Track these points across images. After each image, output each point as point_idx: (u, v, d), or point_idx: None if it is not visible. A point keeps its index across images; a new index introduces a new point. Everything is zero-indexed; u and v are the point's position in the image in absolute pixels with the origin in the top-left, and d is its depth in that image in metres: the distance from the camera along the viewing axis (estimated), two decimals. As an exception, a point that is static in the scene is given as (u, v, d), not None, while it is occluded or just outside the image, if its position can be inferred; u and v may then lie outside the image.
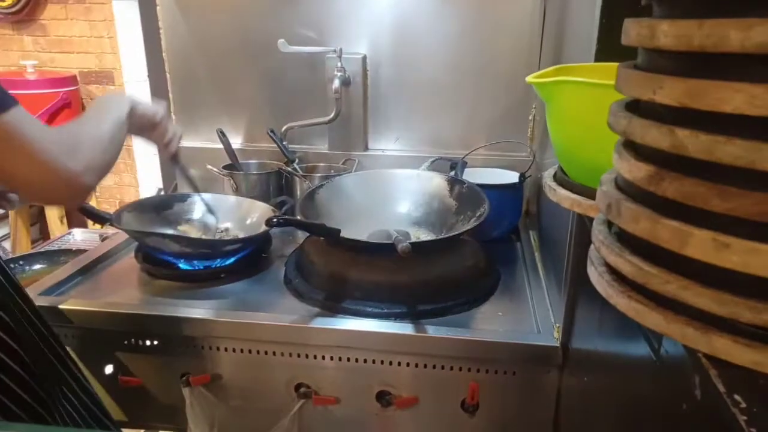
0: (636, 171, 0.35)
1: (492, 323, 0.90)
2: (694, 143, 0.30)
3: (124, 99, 0.83)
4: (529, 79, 0.58)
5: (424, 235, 1.09)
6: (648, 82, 0.33)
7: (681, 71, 0.31)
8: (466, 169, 1.25)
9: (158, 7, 1.44)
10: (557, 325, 0.82)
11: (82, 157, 0.64)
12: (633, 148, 0.36)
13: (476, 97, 1.35)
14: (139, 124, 0.86)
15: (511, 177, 1.22)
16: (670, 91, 0.31)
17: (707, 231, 0.30)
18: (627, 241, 0.37)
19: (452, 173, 1.20)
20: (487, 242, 1.08)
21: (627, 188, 0.37)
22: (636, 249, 0.36)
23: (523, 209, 1.28)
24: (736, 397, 0.29)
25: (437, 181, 1.16)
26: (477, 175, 1.22)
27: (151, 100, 0.92)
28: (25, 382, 0.67)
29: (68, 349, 0.81)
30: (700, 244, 0.30)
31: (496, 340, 0.83)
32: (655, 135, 0.32)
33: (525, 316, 0.91)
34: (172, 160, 1.00)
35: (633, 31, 0.34)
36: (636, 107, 0.37)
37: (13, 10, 2.49)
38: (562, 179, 0.60)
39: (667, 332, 0.33)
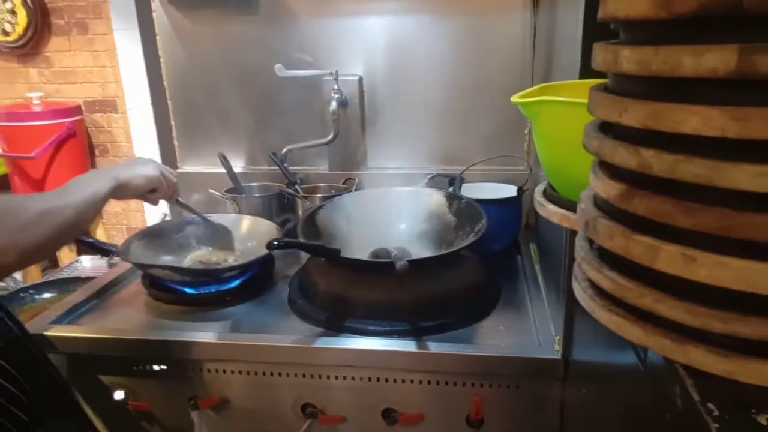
0: (609, 189, 0.36)
1: (494, 338, 0.90)
2: (658, 163, 0.31)
3: (107, 176, 0.82)
4: (514, 99, 0.60)
5: (424, 252, 1.11)
6: (614, 105, 0.34)
7: (644, 95, 0.32)
8: (466, 185, 1.26)
9: (158, 37, 1.48)
10: (557, 337, 0.83)
11: (9, 235, 0.62)
12: (607, 167, 0.38)
13: (472, 113, 1.37)
14: (134, 196, 0.87)
15: (510, 191, 1.23)
16: (634, 114, 0.32)
17: (675, 246, 0.31)
18: (606, 256, 0.39)
19: (451, 189, 1.21)
20: (488, 256, 1.09)
21: (603, 206, 0.38)
22: (614, 264, 0.37)
23: (523, 222, 1.29)
24: (710, 405, 0.30)
25: (436, 198, 1.18)
26: (476, 190, 1.24)
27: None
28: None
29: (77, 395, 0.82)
30: (669, 259, 0.32)
31: (499, 354, 0.84)
32: (623, 155, 0.34)
33: (526, 330, 0.92)
34: (174, 203, 1.02)
35: (599, 57, 0.36)
36: (610, 127, 0.39)
37: (19, 44, 2.55)
38: (551, 195, 0.62)
39: (646, 344, 0.35)
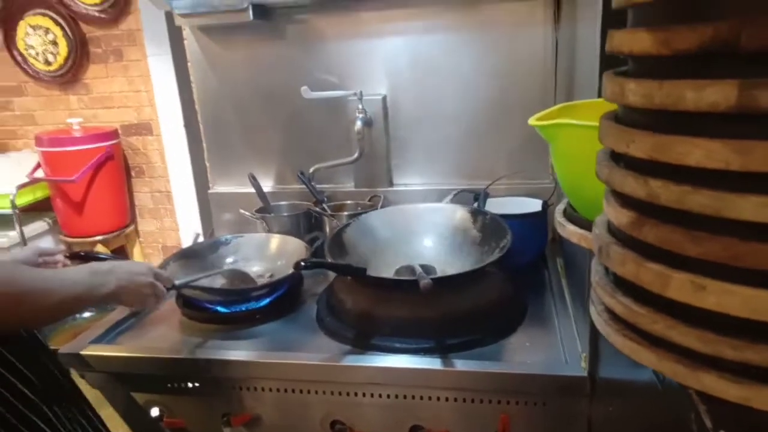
0: (621, 217, 0.37)
1: (520, 354, 0.90)
2: (666, 193, 0.32)
3: (112, 282, 0.80)
4: (531, 121, 0.61)
5: (450, 268, 1.11)
6: (622, 135, 0.35)
7: (649, 126, 0.33)
8: (491, 199, 1.27)
9: (189, 63, 1.54)
10: (584, 354, 0.83)
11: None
12: (618, 195, 0.39)
13: (496, 128, 1.37)
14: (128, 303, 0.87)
15: (535, 205, 1.23)
16: (640, 145, 0.33)
17: (685, 273, 0.32)
18: (621, 281, 0.39)
19: (475, 204, 1.22)
20: (514, 270, 1.09)
21: (616, 232, 0.39)
22: (628, 289, 0.38)
23: (550, 236, 1.28)
24: (722, 432, 0.30)
25: (460, 214, 1.19)
26: (501, 205, 1.24)
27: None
28: None
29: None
30: (679, 286, 0.32)
31: (525, 372, 0.84)
32: (632, 185, 0.35)
33: (553, 346, 0.92)
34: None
35: (608, 88, 0.37)
36: (621, 155, 0.40)
37: (60, 72, 2.68)
38: (571, 214, 0.62)
39: (660, 369, 0.35)
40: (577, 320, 0.94)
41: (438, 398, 0.87)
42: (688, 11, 0.30)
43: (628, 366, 0.61)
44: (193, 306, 1.10)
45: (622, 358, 0.63)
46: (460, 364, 0.86)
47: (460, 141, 1.40)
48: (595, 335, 0.77)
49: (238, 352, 0.95)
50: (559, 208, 0.66)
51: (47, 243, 2.64)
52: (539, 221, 1.21)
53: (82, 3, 2.55)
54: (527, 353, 0.90)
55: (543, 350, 0.91)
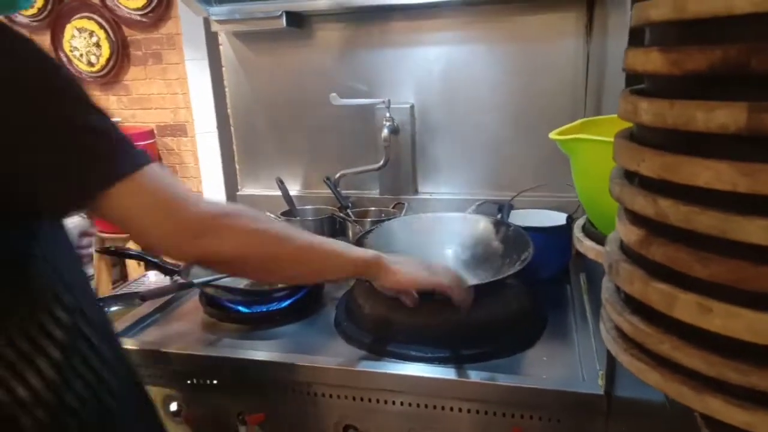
0: (630, 234, 0.37)
1: (537, 368, 0.90)
2: (674, 213, 0.32)
3: (382, 261, 0.81)
4: (552, 135, 0.61)
5: (470, 279, 1.11)
6: (634, 154, 0.35)
7: (661, 145, 0.33)
8: (515, 211, 1.26)
9: (223, 68, 1.58)
10: (601, 372, 0.82)
11: (228, 233, 0.63)
12: (630, 212, 0.39)
13: (523, 140, 1.37)
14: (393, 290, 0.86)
15: (559, 218, 1.22)
16: (650, 164, 0.33)
17: (692, 294, 0.32)
18: (629, 300, 0.39)
19: (499, 216, 1.22)
20: (535, 284, 1.09)
21: (627, 250, 0.39)
22: (636, 308, 0.38)
23: (574, 251, 1.27)
24: (724, 457, 0.30)
25: (483, 225, 1.19)
26: (525, 217, 1.23)
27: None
28: None
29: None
30: (685, 307, 0.32)
31: (539, 386, 0.83)
32: (641, 203, 0.35)
33: (571, 362, 0.90)
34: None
35: (622, 106, 0.37)
36: (635, 173, 0.40)
37: (102, 73, 2.78)
38: (590, 230, 0.62)
39: (666, 390, 0.35)
40: (597, 338, 0.93)
41: (451, 408, 0.87)
42: (700, 33, 0.30)
43: (645, 386, 0.60)
44: (215, 305, 1.12)
45: (631, 375, 0.62)
46: (475, 376, 0.85)
47: (486, 152, 1.40)
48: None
49: (256, 352, 0.97)
50: (579, 223, 0.66)
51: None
52: (563, 235, 1.20)
53: (126, 7, 2.65)
54: (544, 368, 0.89)
55: (560, 366, 0.90)
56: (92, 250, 1.06)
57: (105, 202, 0.56)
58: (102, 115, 0.56)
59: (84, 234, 0.99)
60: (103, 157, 0.55)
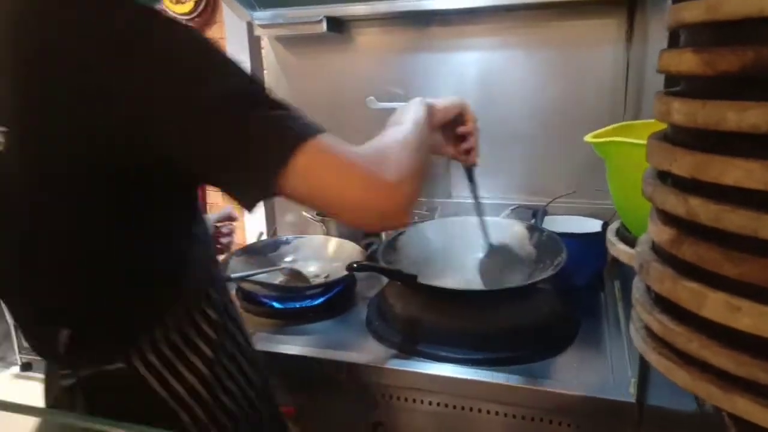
0: (661, 234, 0.37)
1: (567, 374, 0.89)
2: (705, 212, 0.32)
3: (418, 101, 0.82)
4: (587, 138, 0.61)
5: (502, 282, 1.11)
6: (666, 154, 0.36)
7: (692, 145, 0.34)
8: (549, 217, 1.25)
9: (264, 71, 1.62)
10: (633, 379, 0.81)
11: (394, 166, 0.60)
12: (662, 212, 0.39)
13: (559, 146, 1.36)
14: (443, 120, 0.86)
15: (595, 225, 1.21)
16: (682, 164, 0.34)
17: (721, 293, 0.32)
18: (660, 300, 0.39)
19: (533, 221, 1.21)
20: (569, 291, 1.08)
21: (658, 250, 0.39)
22: (665, 307, 0.38)
23: (609, 258, 1.25)
24: (751, 457, 0.30)
25: (517, 229, 1.18)
26: (559, 223, 1.22)
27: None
28: None
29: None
30: (714, 306, 0.32)
31: (570, 392, 0.82)
32: (673, 202, 0.35)
33: (602, 369, 0.89)
34: (467, 172, 0.95)
35: (656, 107, 0.38)
36: (667, 173, 0.40)
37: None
38: (624, 234, 0.62)
39: (694, 390, 0.35)
40: (630, 345, 0.92)
41: (479, 410, 0.87)
42: (733, 34, 0.30)
43: (677, 395, 0.59)
44: (250, 299, 1.15)
45: (671, 386, 0.62)
46: (503, 378, 0.85)
47: (522, 157, 1.40)
48: (645, 360, 0.75)
49: (288, 346, 0.99)
50: (612, 227, 0.66)
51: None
52: (598, 242, 1.17)
53: (174, 12, 2.75)
54: (574, 373, 0.89)
55: (591, 372, 0.89)
56: (234, 238, 1.10)
57: (291, 172, 0.54)
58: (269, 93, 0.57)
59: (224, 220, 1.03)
60: (286, 127, 0.55)
